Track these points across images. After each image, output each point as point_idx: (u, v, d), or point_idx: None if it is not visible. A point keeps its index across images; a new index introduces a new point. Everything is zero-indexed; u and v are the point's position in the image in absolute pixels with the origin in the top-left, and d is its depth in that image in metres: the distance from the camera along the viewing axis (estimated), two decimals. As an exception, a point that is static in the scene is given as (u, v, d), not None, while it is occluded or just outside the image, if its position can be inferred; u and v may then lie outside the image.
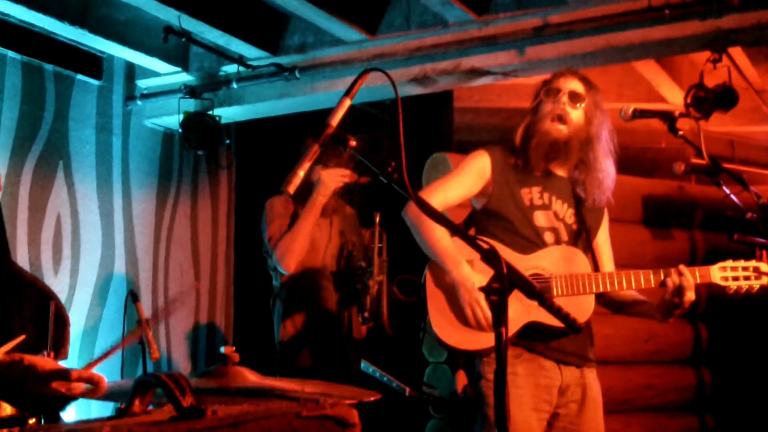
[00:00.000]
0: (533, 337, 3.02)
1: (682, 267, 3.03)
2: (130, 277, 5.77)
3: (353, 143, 2.25)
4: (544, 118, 3.17)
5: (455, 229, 2.22)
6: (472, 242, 2.10)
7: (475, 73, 4.92)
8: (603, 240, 3.31)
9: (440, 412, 5.09)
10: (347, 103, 2.29)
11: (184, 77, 5.63)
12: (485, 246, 2.06)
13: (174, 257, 6.14)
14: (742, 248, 3.41)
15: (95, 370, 1.93)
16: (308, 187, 4.30)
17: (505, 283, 2.00)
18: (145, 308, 4.80)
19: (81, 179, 5.45)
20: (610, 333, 5.09)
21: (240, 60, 5.28)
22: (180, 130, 5.60)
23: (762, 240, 3.37)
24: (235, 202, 6.63)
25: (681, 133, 3.35)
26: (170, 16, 4.74)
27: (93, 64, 5.54)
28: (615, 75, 6.14)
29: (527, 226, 3.14)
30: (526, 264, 3.03)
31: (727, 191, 3.56)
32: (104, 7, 4.94)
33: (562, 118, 3.15)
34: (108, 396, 1.95)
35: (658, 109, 3.57)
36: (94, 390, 1.91)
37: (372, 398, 1.81)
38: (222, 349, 1.86)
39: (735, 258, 3.17)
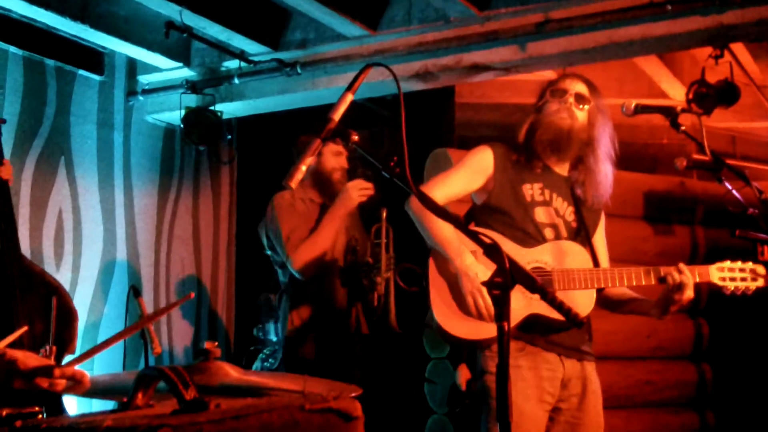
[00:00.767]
0: (534, 330, 3.03)
1: (681, 265, 3.05)
2: (132, 272, 5.78)
3: (355, 138, 2.26)
4: (550, 116, 3.19)
5: (458, 223, 2.22)
6: (474, 237, 2.11)
7: (477, 68, 4.91)
8: (599, 240, 3.33)
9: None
10: (349, 98, 2.30)
11: (186, 73, 5.63)
12: (488, 240, 2.06)
13: (175, 252, 6.15)
14: (744, 244, 3.41)
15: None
16: (318, 178, 4.32)
17: (507, 277, 2.00)
18: (147, 303, 4.81)
19: (82, 175, 5.45)
20: (611, 329, 5.09)
21: (241, 55, 5.28)
22: (181, 126, 5.60)
23: (764, 236, 3.37)
24: (236, 198, 6.63)
25: (683, 128, 3.35)
26: (172, 11, 4.75)
27: (94, 59, 5.54)
28: (616, 71, 6.14)
29: (528, 221, 3.15)
30: (527, 257, 3.04)
31: (729, 187, 3.56)
32: (105, 3, 4.94)
33: (569, 114, 3.18)
34: (107, 391, 1.96)
35: (660, 104, 3.59)
36: (77, 387, 1.91)
37: (353, 393, 1.81)
38: (203, 344, 1.87)
39: (736, 254, 3.18)
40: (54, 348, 2.87)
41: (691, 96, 4.97)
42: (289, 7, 4.96)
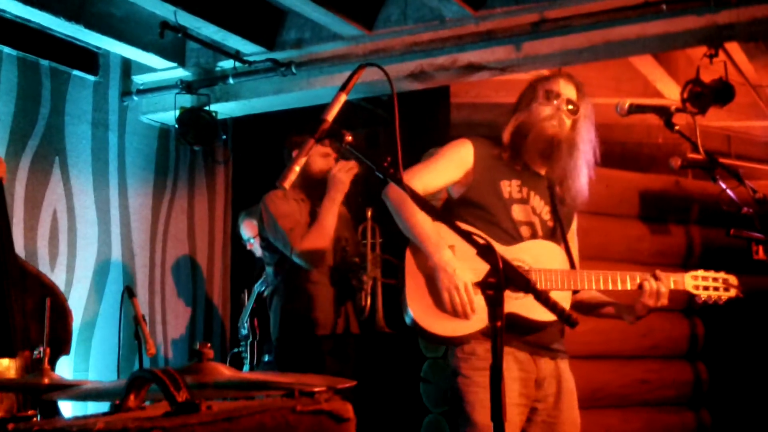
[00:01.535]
0: (509, 330, 2.99)
1: (658, 272, 3.06)
2: (127, 273, 5.77)
3: (349, 138, 2.25)
4: (542, 122, 3.14)
5: (448, 221, 2.21)
6: (467, 236, 2.10)
7: (472, 68, 4.91)
8: (571, 239, 3.31)
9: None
10: (343, 98, 2.29)
11: (181, 73, 5.62)
12: (481, 241, 2.06)
13: (171, 252, 6.14)
14: (739, 243, 3.41)
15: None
16: (307, 179, 4.32)
17: (500, 277, 2.00)
18: (142, 304, 4.81)
19: (77, 175, 5.45)
20: (607, 328, 5.09)
21: (236, 55, 5.27)
22: (176, 126, 5.60)
23: (758, 235, 3.37)
24: (231, 198, 6.63)
25: (677, 128, 3.35)
26: (166, 11, 4.74)
27: (89, 59, 5.54)
28: (611, 70, 6.13)
29: (505, 218, 3.12)
30: (507, 256, 3.01)
31: (724, 186, 3.56)
32: (100, 3, 4.94)
33: (559, 122, 3.15)
34: (103, 394, 1.96)
35: (655, 104, 3.58)
36: None
37: (347, 385, 1.80)
38: (196, 345, 1.86)
39: (731, 253, 3.19)
40: (48, 349, 2.87)
41: (685, 95, 4.97)
42: (285, 7, 4.96)
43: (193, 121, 5.58)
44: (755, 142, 7.33)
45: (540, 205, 3.19)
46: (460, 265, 2.88)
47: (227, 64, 5.43)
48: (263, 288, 5.14)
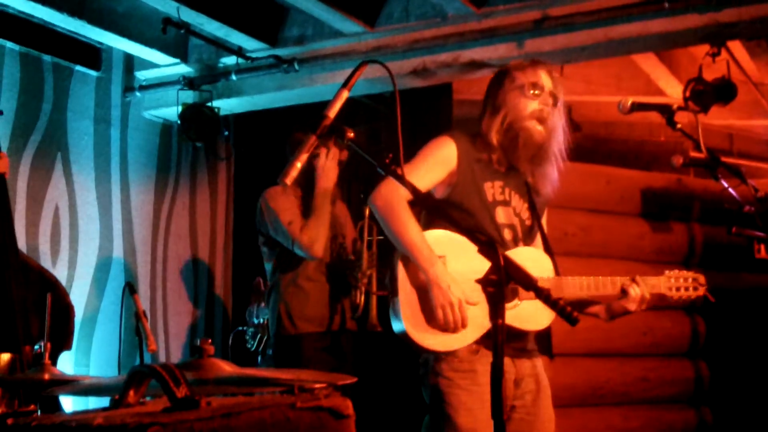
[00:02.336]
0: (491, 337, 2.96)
1: (638, 278, 3.04)
2: (128, 269, 5.78)
3: (351, 135, 2.25)
4: (528, 118, 3.06)
5: (452, 221, 2.21)
6: (470, 234, 2.10)
7: (474, 65, 4.91)
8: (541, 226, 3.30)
9: None
10: (345, 94, 2.29)
11: (183, 69, 5.62)
12: (482, 237, 2.06)
13: (172, 249, 6.15)
14: (740, 241, 3.41)
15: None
16: (308, 176, 4.34)
17: (502, 274, 2.00)
18: (143, 300, 4.81)
19: (79, 171, 5.45)
20: (608, 326, 5.04)
21: (239, 52, 5.27)
22: (179, 122, 5.60)
23: (760, 233, 3.38)
24: (233, 194, 6.63)
25: (679, 126, 3.35)
26: (169, 7, 4.74)
27: (91, 55, 5.53)
28: (614, 68, 6.13)
29: (489, 222, 3.05)
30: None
31: (726, 184, 3.56)
32: (103, -2, 4.94)
33: (542, 120, 3.07)
34: (103, 390, 1.96)
35: (657, 102, 3.57)
36: None
37: (346, 381, 1.80)
38: (197, 342, 1.86)
39: (732, 251, 3.18)
40: (49, 344, 2.87)
41: (688, 93, 4.98)
42: (287, 4, 4.96)
43: (196, 117, 5.58)
44: (757, 141, 7.33)
45: (520, 204, 3.14)
46: (453, 279, 2.85)
47: (230, 60, 5.43)
48: None
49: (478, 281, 2.07)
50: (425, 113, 5.81)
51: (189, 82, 5.56)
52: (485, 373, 2.93)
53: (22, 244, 4.92)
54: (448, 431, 2.91)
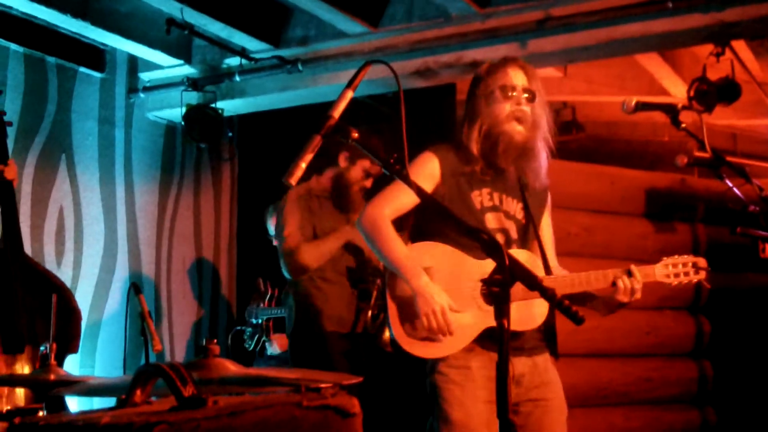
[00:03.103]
0: (489, 339, 2.97)
1: (632, 267, 3.02)
2: (133, 269, 5.78)
3: (355, 135, 2.25)
4: (505, 122, 3.05)
5: (457, 222, 2.21)
6: (474, 233, 2.10)
7: (477, 65, 4.90)
8: (546, 225, 3.25)
9: None
10: (349, 95, 2.29)
11: (187, 70, 5.63)
12: (485, 236, 2.06)
13: (177, 249, 6.15)
14: (745, 241, 3.41)
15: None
16: (340, 184, 4.42)
17: (506, 274, 2.00)
18: (148, 300, 4.80)
19: (83, 171, 5.46)
20: (611, 326, 5.08)
21: (242, 52, 5.28)
22: (182, 123, 5.61)
23: (764, 233, 3.37)
24: (237, 195, 6.64)
25: (683, 126, 3.34)
26: (173, 8, 4.75)
27: (95, 56, 5.55)
28: (617, 68, 6.14)
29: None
30: (486, 269, 2.95)
31: (730, 184, 3.56)
32: (106, 0, 4.94)
33: (520, 120, 3.05)
34: (109, 390, 1.96)
35: (661, 102, 3.56)
36: None
37: (353, 381, 1.80)
38: (203, 341, 1.87)
39: (736, 251, 3.18)
40: (54, 345, 2.87)
41: (692, 93, 4.97)
42: (290, 4, 4.97)
43: (199, 118, 5.59)
44: (761, 140, 7.32)
45: (513, 205, 3.14)
46: (438, 289, 2.88)
47: (233, 61, 5.44)
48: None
49: (483, 281, 2.08)
50: (428, 114, 5.81)
51: (192, 83, 5.57)
52: (479, 369, 2.98)
53: (26, 245, 4.91)
54: (442, 425, 2.95)
